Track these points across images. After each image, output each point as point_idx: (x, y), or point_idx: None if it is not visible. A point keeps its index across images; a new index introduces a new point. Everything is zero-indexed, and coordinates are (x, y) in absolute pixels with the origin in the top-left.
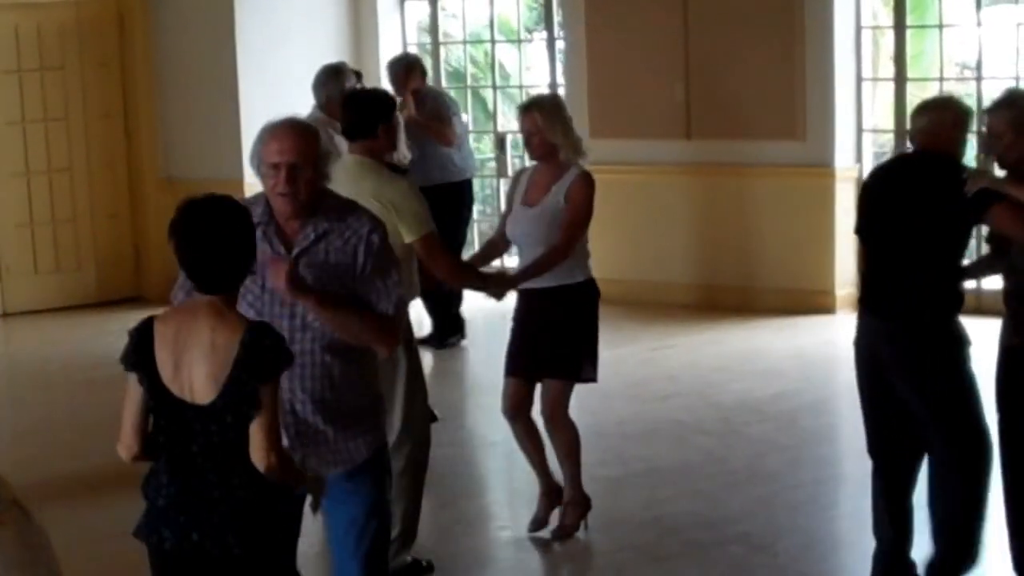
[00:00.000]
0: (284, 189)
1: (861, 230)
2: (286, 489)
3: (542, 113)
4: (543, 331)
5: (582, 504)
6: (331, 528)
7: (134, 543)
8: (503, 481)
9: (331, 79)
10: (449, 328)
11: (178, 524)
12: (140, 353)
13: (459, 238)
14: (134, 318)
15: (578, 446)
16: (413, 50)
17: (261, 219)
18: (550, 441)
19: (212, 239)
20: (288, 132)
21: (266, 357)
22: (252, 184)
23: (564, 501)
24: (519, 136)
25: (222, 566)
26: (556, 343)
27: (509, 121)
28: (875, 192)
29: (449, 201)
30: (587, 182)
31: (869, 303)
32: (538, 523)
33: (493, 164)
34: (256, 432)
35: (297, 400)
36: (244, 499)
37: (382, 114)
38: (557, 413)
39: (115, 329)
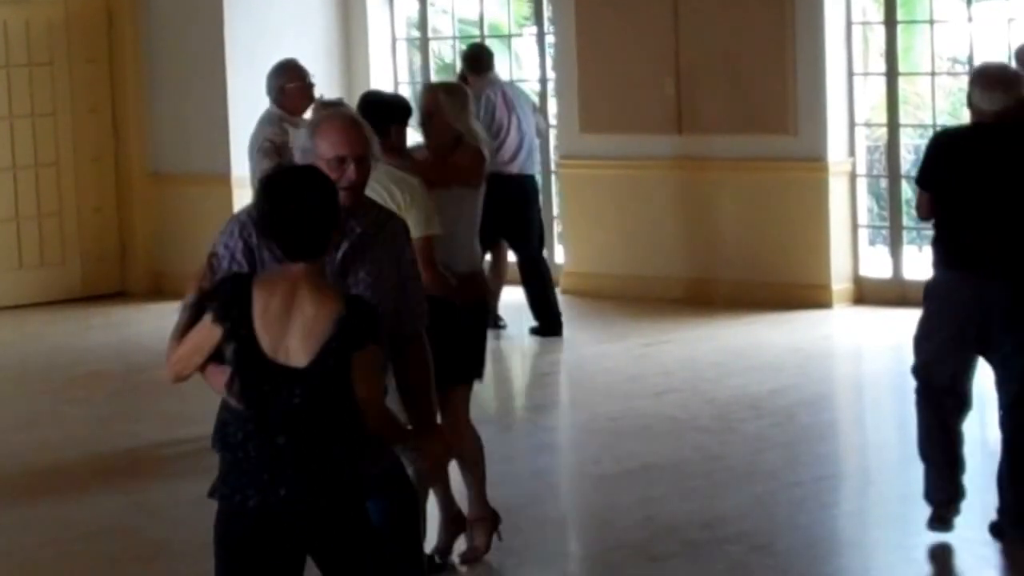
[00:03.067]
0: (351, 182)
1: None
2: (376, 451)
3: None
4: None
5: (490, 520)
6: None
7: (114, 539)
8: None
9: (280, 73)
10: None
11: (262, 481)
12: (234, 309)
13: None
14: (118, 314)
15: (483, 457)
16: (402, 46)
17: None
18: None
19: (304, 204)
20: (349, 124)
21: (360, 328)
22: (240, 178)
23: (470, 520)
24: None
25: (308, 522)
26: (449, 347)
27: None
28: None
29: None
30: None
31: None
32: (442, 552)
33: None
34: (360, 386)
35: None
36: (334, 457)
37: (395, 117)
38: (462, 421)
39: (99, 324)
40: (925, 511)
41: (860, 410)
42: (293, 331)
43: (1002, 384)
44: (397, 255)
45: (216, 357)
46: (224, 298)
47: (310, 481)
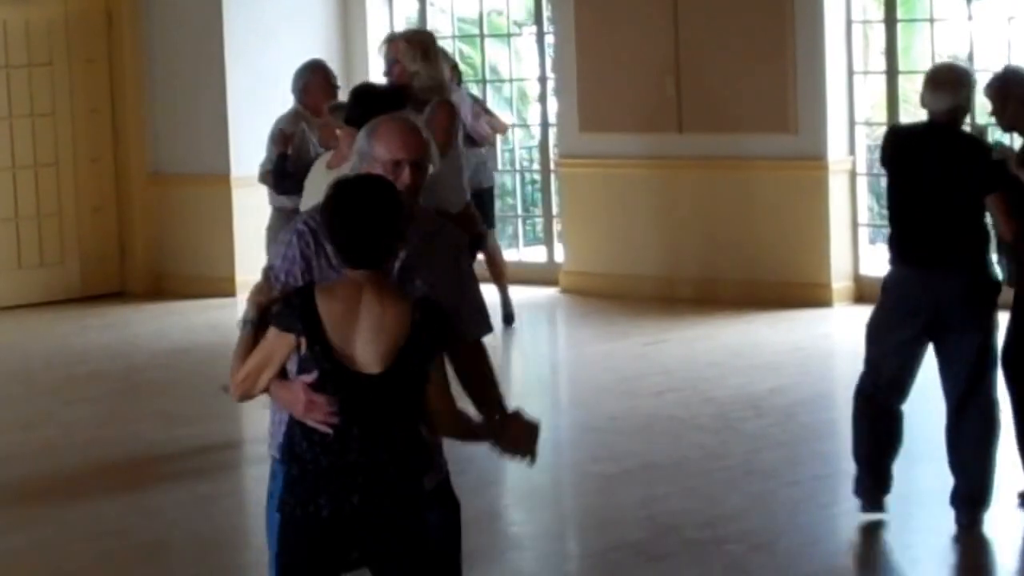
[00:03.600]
0: (407, 186)
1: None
2: (429, 460)
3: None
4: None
5: None
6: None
7: (113, 539)
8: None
9: (306, 71)
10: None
11: (335, 490)
12: (307, 318)
13: None
14: (118, 314)
15: None
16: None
17: None
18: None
19: (368, 212)
20: (409, 128)
21: (437, 329)
22: (239, 179)
23: None
24: (508, 130)
25: (381, 531)
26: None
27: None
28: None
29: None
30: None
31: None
32: None
33: None
34: (433, 397)
35: None
36: (404, 464)
37: (389, 108)
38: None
39: (98, 325)
40: (925, 510)
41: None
42: (361, 336)
43: (946, 380)
44: (452, 263)
45: (280, 373)
46: (294, 311)
47: (382, 490)
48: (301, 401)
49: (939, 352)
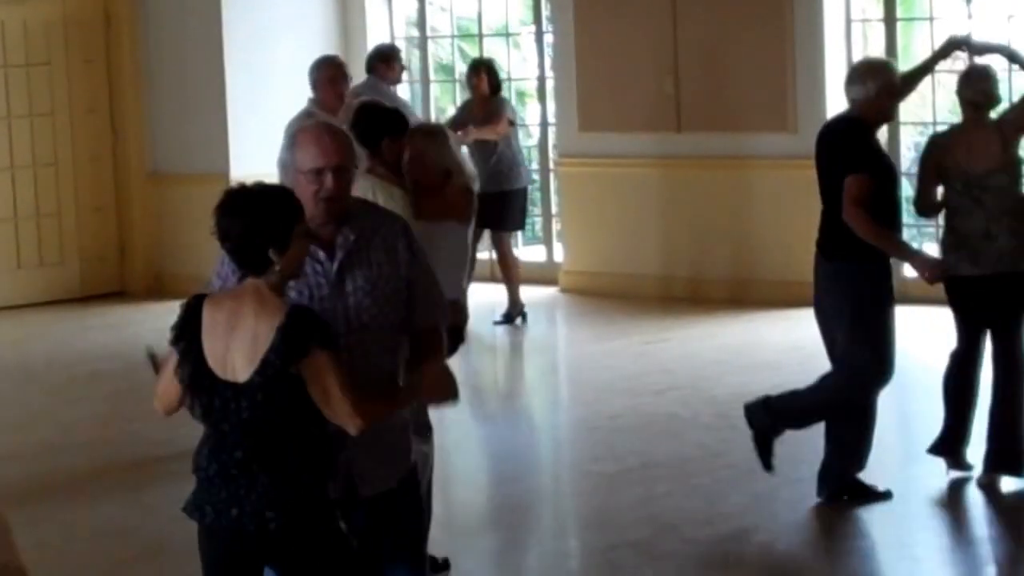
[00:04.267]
0: (331, 193)
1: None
2: (326, 468)
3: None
4: None
5: None
6: (374, 539)
7: (114, 539)
8: (493, 478)
9: (313, 69)
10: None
11: (219, 500)
12: (187, 329)
13: None
14: (117, 313)
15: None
16: (401, 45)
17: None
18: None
19: (242, 220)
20: (324, 133)
21: (299, 338)
22: (238, 178)
23: None
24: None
25: (260, 542)
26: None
27: None
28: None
29: None
30: None
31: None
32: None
33: None
34: (324, 404)
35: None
36: (282, 476)
37: (388, 130)
38: None
39: (97, 324)
40: (926, 509)
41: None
42: (237, 345)
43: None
44: (398, 254)
45: None
46: (179, 320)
47: (259, 502)
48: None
49: None
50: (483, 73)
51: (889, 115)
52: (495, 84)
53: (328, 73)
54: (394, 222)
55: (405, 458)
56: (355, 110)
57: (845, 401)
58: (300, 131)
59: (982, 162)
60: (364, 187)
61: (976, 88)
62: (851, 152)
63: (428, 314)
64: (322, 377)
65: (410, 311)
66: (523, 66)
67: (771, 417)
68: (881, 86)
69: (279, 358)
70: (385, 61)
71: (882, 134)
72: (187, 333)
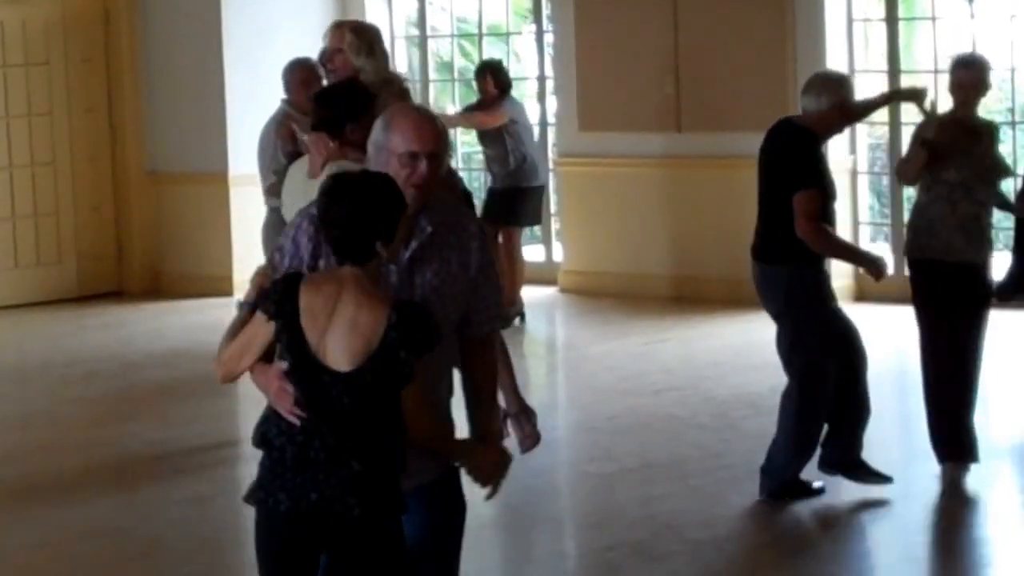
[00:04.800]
0: (424, 179)
1: None
2: (403, 459)
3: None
4: None
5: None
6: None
7: (109, 539)
8: None
9: (285, 71)
10: None
11: (294, 485)
12: (285, 306)
13: None
14: (115, 313)
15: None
16: (400, 44)
17: None
18: None
19: (354, 207)
20: (425, 119)
21: (410, 337)
22: (237, 177)
23: (512, 413)
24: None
25: (337, 530)
26: None
27: None
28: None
29: None
30: None
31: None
32: None
33: (481, 157)
34: (407, 401)
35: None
36: (372, 465)
37: (353, 110)
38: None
39: (95, 324)
40: (928, 510)
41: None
42: (333, 332)
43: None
44: (468, 255)
45: (265, 357)
46: (277, 297)
47: (343, 488)
48: (273, 387)
49: None
50: (488, 75)
51: (838, 130)
52: (503, 85)
53: (301, 75)
54: (471, 221)
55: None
56: (316, 96)
57: (812, 404)
58: (398, 113)
59: None
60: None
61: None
62: (802, 166)
63: (487, 323)
64: (416, 375)
65: (469, 315)
66: (523, 65)
67: (776, 479)
68: (835, 102)
69: (388, 354)
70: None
71: (882, 134)
72: (285, 313)
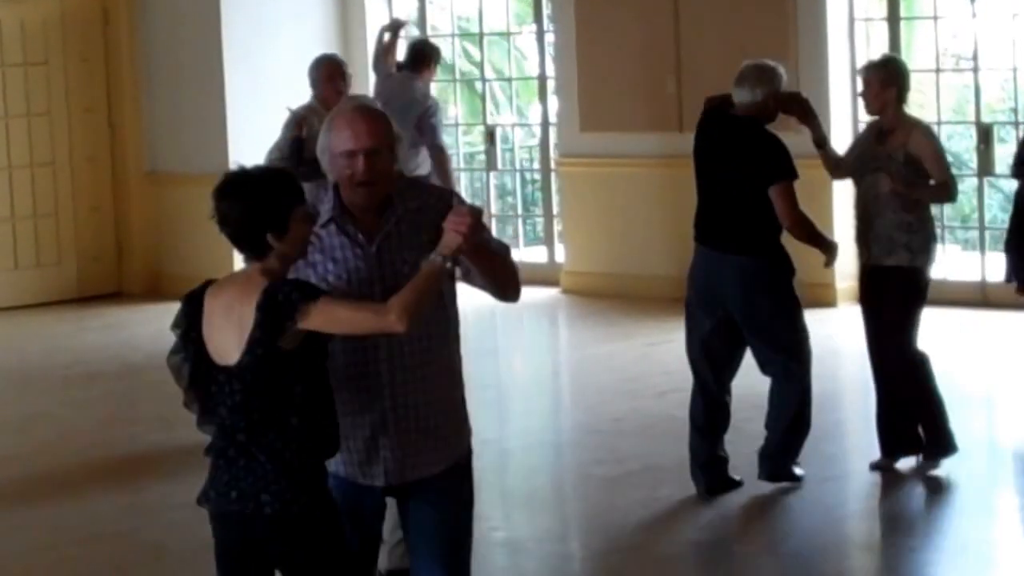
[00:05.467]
0: (363, 177)
1: None
2: (324, 455)
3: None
4: None
5: None
6: (413, 531)
7: (111, 542)
8: (495, 481)
9: (312, 68)
10: None
11: (221, 483)
12: (187, 318)
13: None
14: (115, 314)
15: None
16: (400, 43)
17: (332, 213)
18: None
19: (248, 200)
20: (357, 116)
21: (276, 310)
22: None
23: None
24: (508, 129)
25: (258, 525)
26: None
27: (500, 114)
28: None
29: None
30: None
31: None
32: None
33: (483, 158)
34: (355, 330)
35: (413, 402)
36: (279, 459)
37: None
38: None
39: (95, 325)
40: (931, 512)
41: (865, 409)
42: (230, 330)
43: (756, 357)
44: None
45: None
46: (180, 312)
47: (255, 485)
48: None
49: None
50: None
51: (773, 118)
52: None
53: (327, 71)
54: (447, 197)
55: (453, 444)
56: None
57: (808, 379)
58: (337, 114)
59: None
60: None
61: None
62: (782, 158)
63: (496, 245)
64: (329, 316)
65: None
66: (524, 65)
67: (778, 464)
68: (769, 92)
69: (263, 334)
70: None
71: None
72: (187, 322)
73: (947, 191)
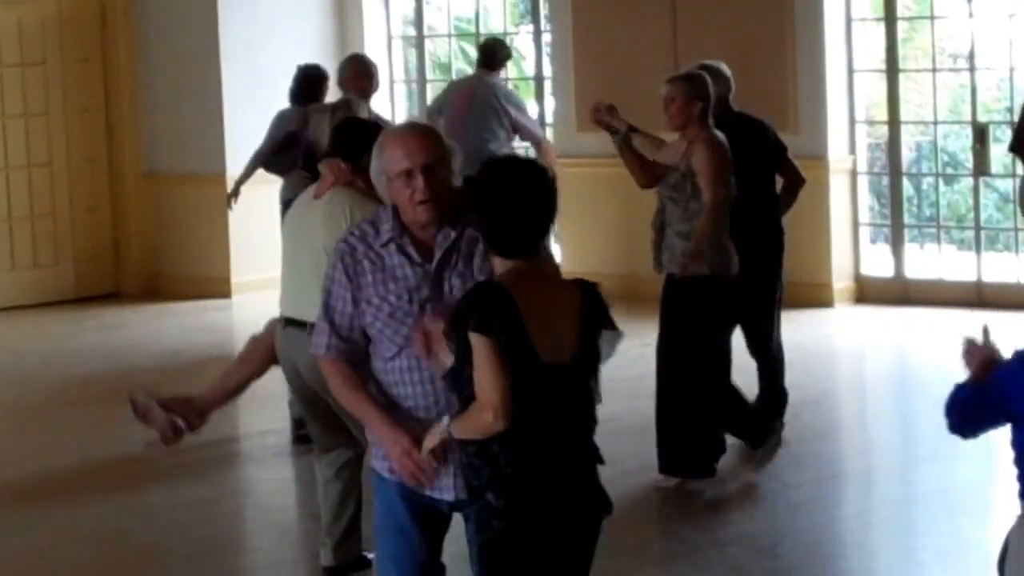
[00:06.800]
0: (425, 195)
1: None
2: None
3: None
4: None
5: None
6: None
7: (108, 543)
8: None
9: (341, 68)
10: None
11: (515, 483)
12: (504, 317)
13: None
14: (112, 315)
15: None
16: (397, 44)
17: (392, 233)
18: None
19: (524, 197)
20: (410, 133)
21: (603, 311)
22: (234, 178)
23: None
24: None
25: (574, 526)
26: None
27: None
28: None
29: None
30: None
31: None
32: None
33: None
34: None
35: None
36: (583, 458)
37: (369, 141)
38: None
39: (92, 326)
40: (929, 512)
41: (862, 410)
42: (558, 323)
43: None
44: (479, 254)
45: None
46: (492, 310)
47: (579, 484)
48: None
49: None
50: None
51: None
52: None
53: (354, 70)
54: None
55: None
56: (336, 126)
57: None
58: (386, 136)
59: None
60: (340, 200)
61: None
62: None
63: None
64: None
65: None
66: (521, 65)
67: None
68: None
69: (592, 335)
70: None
71: (882, 134)
72: (506, 322)
73: (711, 213)
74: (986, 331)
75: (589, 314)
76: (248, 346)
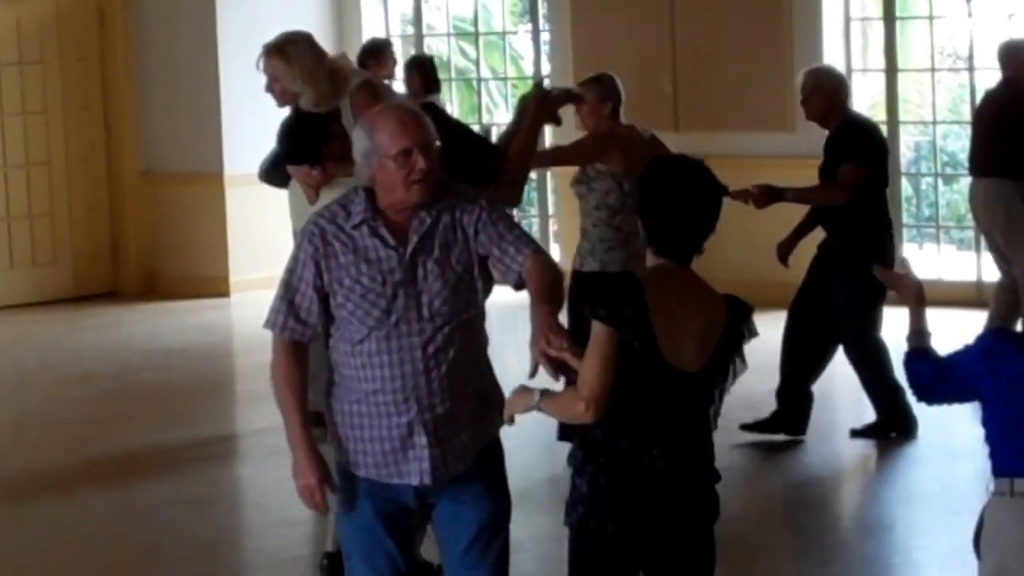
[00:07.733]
0: (424, 172)
1: None
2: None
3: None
4: None
5: None
6: (448, 535)
7: (106, 541)
8: None
9: (364, 53)
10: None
11: (623, 506)
12: (635, 312)
13: None
14: (110, 313)
15: None
16: (396, 42)
17: (365, 215)
18: None
19: (695, 202)
20: (407, 113)
21: (741, 333)
22: (232, 178)
23: None
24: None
25: (664, 547)
26: None
27: (497, 113)
28: None
29: None
30: None
31: None
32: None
33: None
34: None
35: (443, 393)
36: (698, 478)
37: (317, 135)
38: None
39: (90, 325)
40: (928, 513)
41: (862, 410)
42: (690, 331)
43: None
44: (468, 231)
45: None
46: (622, 303)
47: (675, 507)
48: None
49: None
50: (415, 71)
51: None
52: (430, 83)
53: (374, 56)
54: (474, 200)
55: (479, 430)
56: (284, 130)
57: None
58: (378, 116)
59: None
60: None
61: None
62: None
63: (521, 252)
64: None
65: (503, 259)
66: (519, 65)
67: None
68: None
69: (729, 350)
70: (375, 57)
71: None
72: (636, 318)
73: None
74: (905, 262)
75: (729, 331)
76: None
